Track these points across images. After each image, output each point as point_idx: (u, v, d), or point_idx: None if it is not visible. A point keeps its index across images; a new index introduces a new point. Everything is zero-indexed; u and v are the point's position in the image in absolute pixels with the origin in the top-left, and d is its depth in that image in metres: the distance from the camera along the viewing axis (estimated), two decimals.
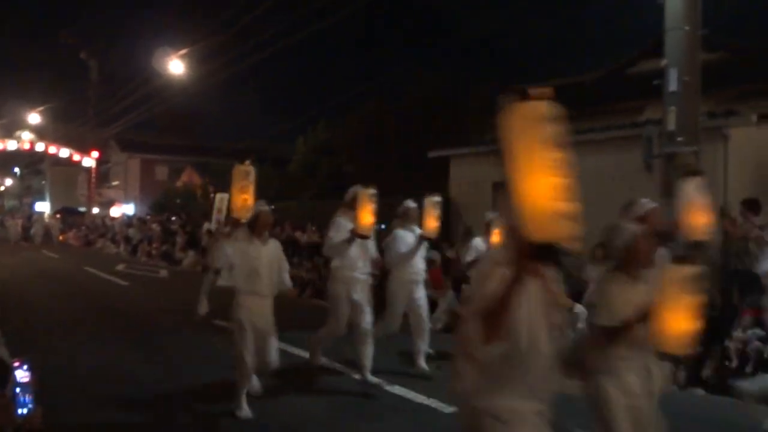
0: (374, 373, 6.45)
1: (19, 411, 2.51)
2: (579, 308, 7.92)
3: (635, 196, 9.50)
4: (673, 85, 7.37)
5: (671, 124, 7.40)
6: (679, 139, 7.37)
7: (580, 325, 7.66)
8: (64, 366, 6.60)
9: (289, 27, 13.81)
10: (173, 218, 23.83)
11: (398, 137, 18.83)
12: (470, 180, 12.64)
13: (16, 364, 3.02)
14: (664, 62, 7.50)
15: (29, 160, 49.49)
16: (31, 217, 37.19)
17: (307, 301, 12.40)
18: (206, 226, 20.75)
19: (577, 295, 8.32)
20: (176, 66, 16.94)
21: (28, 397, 2.57)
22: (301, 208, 18.56)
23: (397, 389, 5.96)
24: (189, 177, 33.45)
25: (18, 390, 2.56)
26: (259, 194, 20.63)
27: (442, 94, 19.14)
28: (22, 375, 2.97)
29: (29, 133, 31.61)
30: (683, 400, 6.08)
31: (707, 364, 6.24)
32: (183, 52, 16.63)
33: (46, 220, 33.75)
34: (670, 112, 7.40)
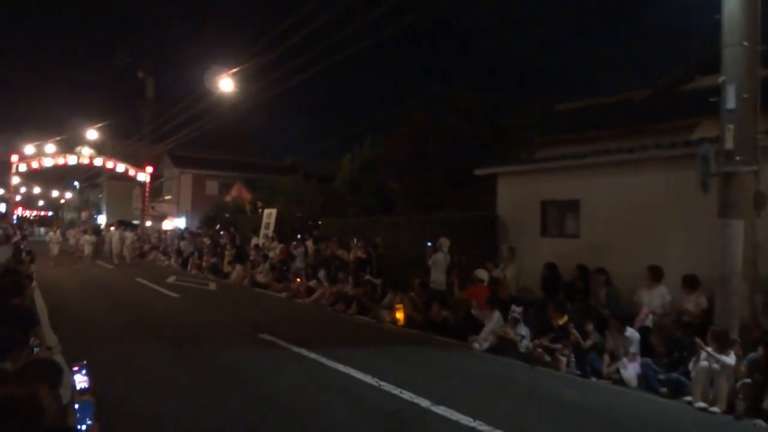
0: (417, 392, 6.40)
1: (79, 427, 2.59)
2: (630, 332, 7.70)
3: (690, 216, 9.21)
4: (731, 103, 7.12)
5: (729, 143, 7.14)
6: (738, 158, 7.10)
7: (633, 349, 7.44)
8: (114, 376, 6.77)
9: (336, 45, 14.01)
10: (221, 232, 24.30)
11: (442, 154, 18.78)
12: (518, 198, 12.48)
13: (75, 368, 3.13)
14: (721, 79, 7.25)
15: (88, 175, 51.47)
16: (99, 230, 34.01)
17: (350, 318, 12.43)
18: (254, 241, 21.13)
19: (627, 319, 8.09)
20: (227, 84, 17.35)
21: (87, 414, 2.65)
22: (346, 224, 18.67)
23: (442, 410, 5.87)
24: (238, 192, 34.13)
25: (77, 406, 2.63)
26: (305, 209, 20.85)
27: (485, 110, 19.04)
28: (80, 380, 3.07)
29: (88, 148, 32.71)
30: (743, 430, 5.81)
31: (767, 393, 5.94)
32: (234, 70, 17.03)
33: (125, 236, 28.12)
34: (728, 130, 7.14)
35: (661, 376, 6.97)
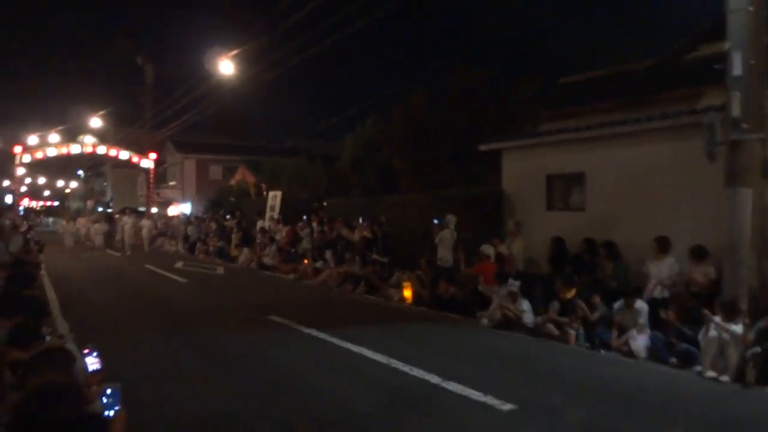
0: (427, 369, 6.44)
1: (106, 413, 2.62)
2: (639, 304, 7.70)
3: (697, 186, 9.15)
4: (737, 69, 7.01)
5: (735, 110, 7.04)
6: (744, 125, 7.01)
7: (641, 320, 7.45)
8: (125, 362, 6.83)
9: (335, 24, 13.88)
10: (227, 216, 24.32)
11: (446, 131, 18.68)
12: (524, 172, 12.42)
13: (86, 351, 3.17)
14: (727, 45, 7.13)
15: (92, 163, 51.52)
16: (112, 217, 30.99)
17: (359, 297, 12.48)
18: (260, 224, 21.17)
19: (636, 291, 8.09)
20: (227, 67, 17.23)
21: (117, 399, 2.68)
22: (351, 204, 18.67)
23: (452, 385, 5.91)
24: (242, 175, 34.11)
25: (109, 391, 2.67)
26: (309, 191, 20.81)
27: (489, 85, 18.88)
28: (92, 361, 3.12)
29: (91, 137, 32.62)
30: (753, 399, 5.83)
31: None
32: (233, 53, 16.89)
33: (142, 225, 26.53)
34: (734, 97, 7.04)
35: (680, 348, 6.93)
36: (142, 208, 36.61)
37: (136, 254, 23.27)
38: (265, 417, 5.25)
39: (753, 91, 7.02)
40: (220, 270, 17.96)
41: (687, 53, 13.89)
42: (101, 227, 26.34)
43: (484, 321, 9.23)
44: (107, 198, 48.81)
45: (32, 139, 34.75)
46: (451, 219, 12.18)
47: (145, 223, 27.00)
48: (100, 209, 43.68)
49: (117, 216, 29.94)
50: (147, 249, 24.51)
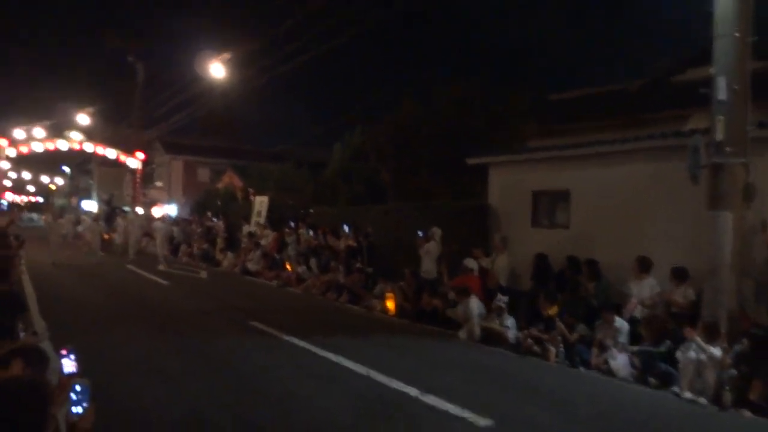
0: (407, 381, 6.41)
1: (74, 410, 2.55)
2: (620, 322, 7.74)
3: (679, 208, 9.23)
4: (721, 94, 7.12)
5: (719, 134, 7.15)
6: (728, 149, 7.12)
7: (622, 339, 7.48)
8: (104, 363, 6.74)
9: (326, 32, 13.93)
10: (214, 219, 24.08)
11: (433, 142, 18.72)
12: (510, 187, 12.48)
13: (63, 352, 3.11)
14: (712, 70, 7.25)
15: (79, 160, 50.98)
16: (114, 215, 28.38)
17: (341, 306, 12.43)
18: (246, 228, 21.04)
19: (615, 307, 8.13)
20: (218, 70, 17.17)
21: (85, 396, 2.62)
22: (337, 212, 18.63)
23: (431, 399, 5.89)
24: (230, 179, 33.93)
25: (78, 387, 2.60)
26: (296, 198, 20.60)
27: (477, 99, 18.96)
28: (68, 364, 3.06)
29: (78, 133, 32.25)
30: (729, 422, 5.86)
31: (754, 384, 5.99)
32: (226, 56, 16.85)
33: (155, 225, 23.17)
34: (719, 121, 7.15)
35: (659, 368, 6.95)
36: (127, 208, 36.28)
37: (116, 255, 22.33)
38: (240, 421, 5.20)
39: (737, 116, 7.13)
40: (204, 274, 17.81)
41: (675, 76, 14.10)
42: (98, 227, 24.48)
43: (461, 334, 9.22)
44: (104, 195, 47.56)
45: (18, 133, 34.38)
46: (436, 231, 12.19)
47: (159, 225, 22.50)
48: (95, 205, 42.14)
49: (120, 213, 27.64)
50: (165, 267, 18.54)
